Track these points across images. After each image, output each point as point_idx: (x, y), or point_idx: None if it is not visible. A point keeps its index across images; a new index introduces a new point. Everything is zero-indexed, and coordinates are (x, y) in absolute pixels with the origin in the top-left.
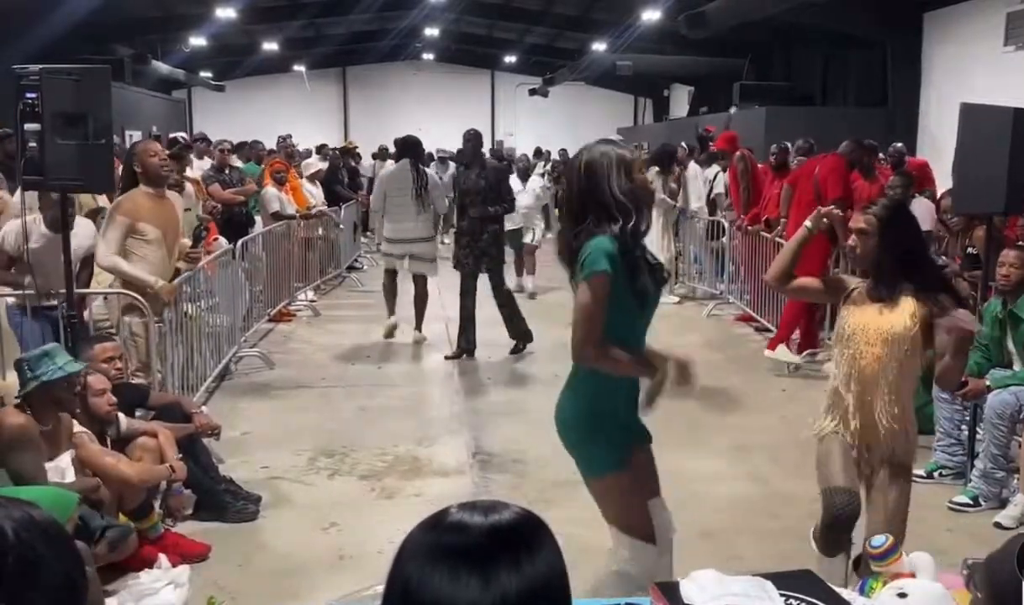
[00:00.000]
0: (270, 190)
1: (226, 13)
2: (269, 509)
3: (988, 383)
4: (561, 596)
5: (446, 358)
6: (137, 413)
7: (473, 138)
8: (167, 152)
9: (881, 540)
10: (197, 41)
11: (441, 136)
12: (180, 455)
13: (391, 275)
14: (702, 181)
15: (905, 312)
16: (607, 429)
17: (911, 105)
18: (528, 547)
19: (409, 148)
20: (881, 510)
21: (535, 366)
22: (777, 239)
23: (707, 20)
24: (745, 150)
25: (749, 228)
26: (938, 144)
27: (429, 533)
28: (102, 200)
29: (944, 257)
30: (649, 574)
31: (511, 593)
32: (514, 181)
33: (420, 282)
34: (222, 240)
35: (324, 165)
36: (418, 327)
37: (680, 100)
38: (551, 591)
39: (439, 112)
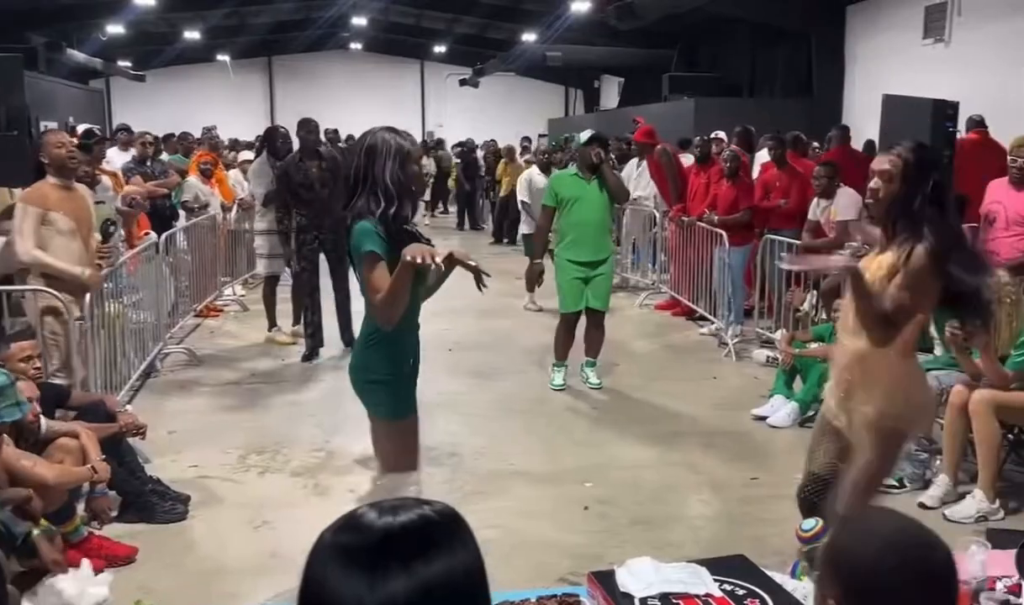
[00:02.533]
0: (191, 180)
1: (144, 0)
2: (198, 509)
3: None
4: (464, 595)
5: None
6: (57, 413)
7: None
8: (75, 143)
9: (811, 524)
10: (115, 29)
11: (370, 127)
12: (103, 456)
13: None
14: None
15: (884, 262)
16: (397, 384)
17: (835, 96)
18: (425, 551)
19: (266, 139)
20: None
21: (469, 359)
22: (714, 229)
23: (635, 11)
24: (667, 143)
25: (684, 219)
26: (861, 134)
27: (333, 532)
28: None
29: (867, 246)
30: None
31: (399, 593)
32: (538, 177)
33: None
34: (152, 235)
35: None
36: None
37: (610, 91)
38: (451, 591)
39: (368, 102)
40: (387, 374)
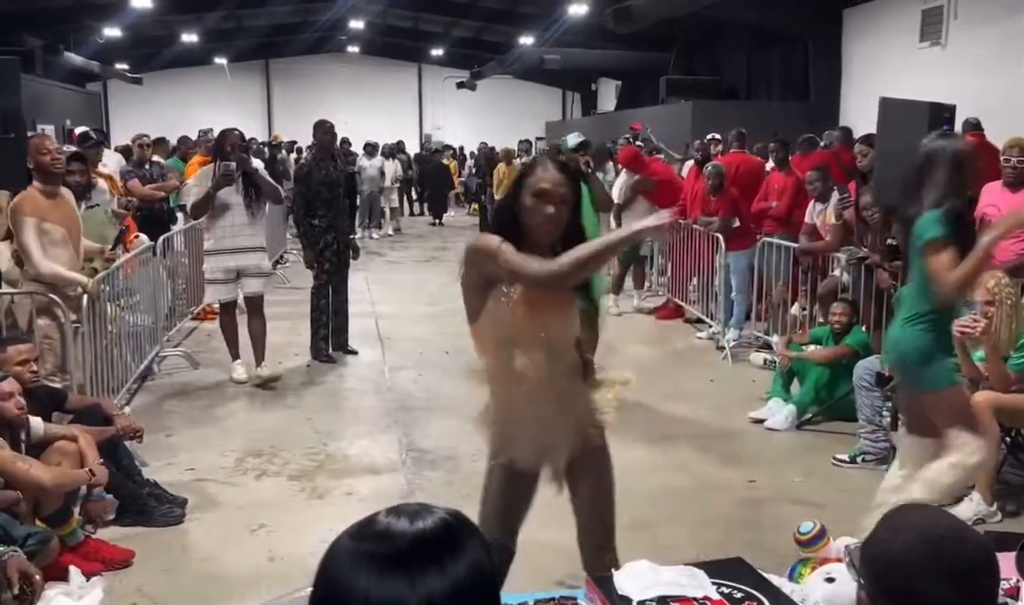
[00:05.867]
0: (193, 182)
1: (141, 3)
2: (196, 512)
3: None
4: (487, 594)
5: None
6: (54, 417)
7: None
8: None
9: (809, 526)
10: (112, 31)
11: (368, 129)
12: (101, 459)
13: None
14: None
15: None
16: (942, 359)
17: (832, 99)
18: (452, 550)
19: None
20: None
21: (465, 362)
22: (715, 234)
23: (632, 15)
24: (656, 162)
25: (680, 221)
26: (858, 137)
27: (355, 539)
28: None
29: (864, 248)
30: (976, 463)
31: (437, 591)
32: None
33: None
34: (143, 237)
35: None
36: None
37: (608, 94)
38: (477, 591)
39: (365, 105)
40: (939, 349)
